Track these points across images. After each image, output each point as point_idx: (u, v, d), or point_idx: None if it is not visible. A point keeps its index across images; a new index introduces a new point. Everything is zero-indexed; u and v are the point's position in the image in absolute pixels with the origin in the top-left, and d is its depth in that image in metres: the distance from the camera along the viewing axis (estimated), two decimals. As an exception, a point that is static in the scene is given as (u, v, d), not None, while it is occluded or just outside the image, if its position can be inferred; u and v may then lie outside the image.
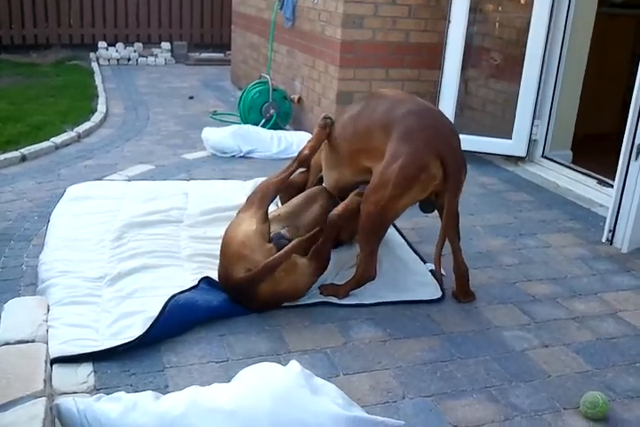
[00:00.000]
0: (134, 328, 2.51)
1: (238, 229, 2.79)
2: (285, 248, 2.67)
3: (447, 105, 4.98)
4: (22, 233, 3.49)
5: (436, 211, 2.96)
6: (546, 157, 4.99)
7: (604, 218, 3.73)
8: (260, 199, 2.95)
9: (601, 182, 4.44)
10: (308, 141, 3.22)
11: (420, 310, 2.84)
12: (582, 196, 4.38)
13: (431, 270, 3.12)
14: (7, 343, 2.20)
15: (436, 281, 3.04)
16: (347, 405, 2.02)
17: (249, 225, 2.77)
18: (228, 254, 2.74)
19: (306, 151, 3.14)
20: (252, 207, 2.90)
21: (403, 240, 3.50)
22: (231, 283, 2.70)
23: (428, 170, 2.70)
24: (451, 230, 2.91)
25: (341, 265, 3.12)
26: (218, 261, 2.90)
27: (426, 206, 2.95)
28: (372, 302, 2.87)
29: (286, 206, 3.13)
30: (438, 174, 2.72)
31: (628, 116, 3.47)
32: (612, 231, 3.61)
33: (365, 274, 2.90)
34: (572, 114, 5.03)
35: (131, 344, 2.42)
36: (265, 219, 2.85)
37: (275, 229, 2.88)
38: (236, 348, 2.50)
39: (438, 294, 2.96)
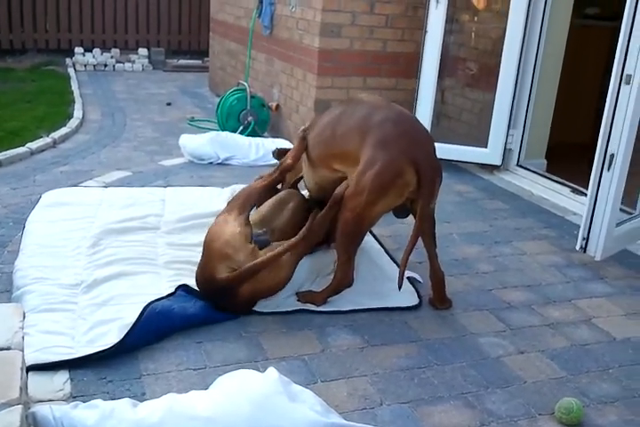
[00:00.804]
0: (110, 336, 2.49)
1: (222, 230, 2.79)
2: (270, 254, 2.68)
3: (424, 113, 5.03)
4: (-3, 239, 3.45)
5: (412, 218, 2.98)
6: (521, 166, 5.05)
7: (578, 226, 3.79)
8: (241, 204, 2.95)
9: (575, 191, 4.51)
10: (290, 151, 3.23)
11: (397, 317, 2.86)
12: (556, 204, 4.44)
13: (408, 277, 3.14)
14: (-18, 351, 2.17)
15: (413, 288, 3.07)
16: (324, 411, 2.03)
17: (232, 227, 2.78)
18: (211, 253, 2.74)
19: (289, 160, 3.15)
20: (233, 211, 2.90)
21: (380, 247, 3.52)
22: (213, 282, 2.70)
23: (402, 176, 2.73)
24: (427, 237, 2.94)
25: (318, 272, 3.13)
26: (195, 267, 2.90)
27: (400, 212, 2.99)
28: (350, 308, 2.88)
29: (258, 212, 3.14)
30: (413, 181, 2.75)
31: (600, 126, 3.53)
32: (586, 239, 3.66)
33: (343, 281, 2.91)
34: (546, 123, 5.11)
35: (107, 352, 2.40)
36: (247, 223, 2.85)
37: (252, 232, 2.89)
38: (213, 355, 2.49)
39: (415, 301, 2.98)
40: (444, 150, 5.10)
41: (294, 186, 3.44)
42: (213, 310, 2.73)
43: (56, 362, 2.33)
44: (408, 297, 3.00)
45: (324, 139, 3.06)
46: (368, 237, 3.38)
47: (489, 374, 2.48)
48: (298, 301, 2.90)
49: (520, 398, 2.35)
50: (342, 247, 2.88)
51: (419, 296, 3.02)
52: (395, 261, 3.34)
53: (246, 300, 2.73)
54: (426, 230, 2.89)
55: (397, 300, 2.97)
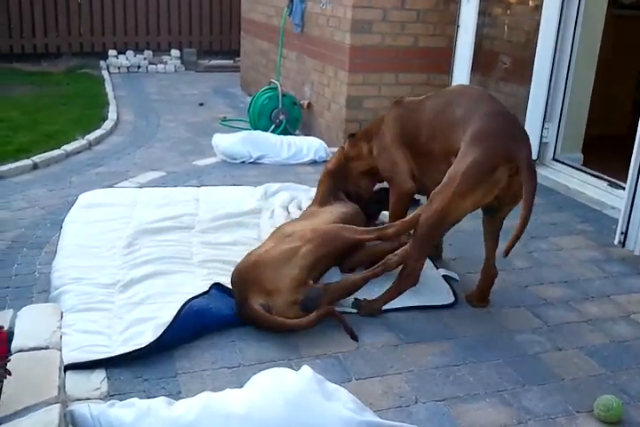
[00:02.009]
0: (146, 335, 2.52)
1: (279, 261, 2.66)
2: (303, 322, 2.60)
3: (457, 109, 4.98)
4: (35, 241, 3.52)
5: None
6: (557, 160, 4.96)
7: (616, 220, 3.71)
8: (320, 244, 2.75)
9: (612, 184, 4.42)
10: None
11: (432, 315, 2.83)
12: (593, 198, 4.36)
13: (444, 275, 3.11)
14: (21, 350, 2.20)
15: (448, 286, 3.03)
16: (359, 409, 2.02)
17: (292, 266, 2.65)
18: (252, 277, 2.65)
19: (391, 229, 2.88)
20: (307, 245, 2.72)
21: None
22: (243, 304, 2.64)
23: (494, 173, 2.61)
24: (494, 233, 2.91)
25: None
26: (230, 266, 2.91)
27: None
28: (385, 308, 2.85)
29: (307, 219, 3.05)
30: (504, 179, 2.62)
31: (638, 118, 3.45)
32: (624, 234, 3.58)
33: (408, 280, 2.77)
34: (582, 116, 5.01)
35: (143, 351, 2.43)
36: (311, 268, 2.70)
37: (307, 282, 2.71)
38: (247, 353, 2.50)
39: (451, 299, 2.95)
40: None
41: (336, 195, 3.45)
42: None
43: (93, 361, 2.37)
44: (444, 295, 2.97)
45: (430, 128, 3.00)
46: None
47: (525, 371, 2.45)
48: (357, 313, 2.79)
49: (558, 396, 2.31)
50: (418, 244, 2.73)
51: (454, 294, 2.98)
52: (430, 259, 3.29)
53: (264, 327, 2.65)
54: (497, 225, 2.87)
55: (433, 298, 2.94)
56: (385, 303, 2.81)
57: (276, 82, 6.07)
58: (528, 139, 2.78)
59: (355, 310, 2.81)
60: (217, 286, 2.83)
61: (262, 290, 2.62)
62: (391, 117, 3.26)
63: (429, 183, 2.94)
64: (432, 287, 3.03)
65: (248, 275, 2.67)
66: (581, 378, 2.42)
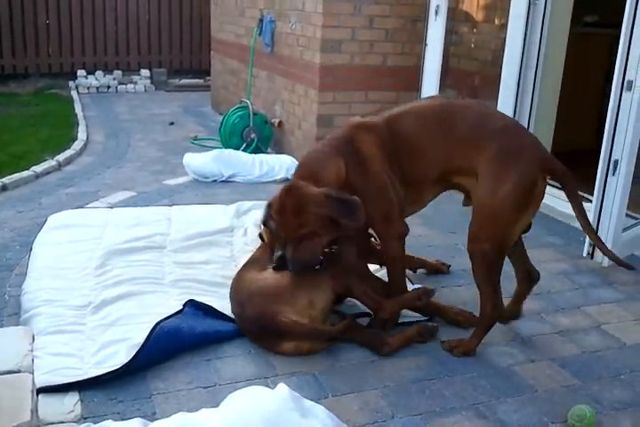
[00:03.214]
0: (119, 356, 2.49)
1: (302, 284, 2.65)
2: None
3: (426, 125, 5.05)
4: (4, 263, 3.47)
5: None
6: (525, 175, 5.04)
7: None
8: (345, 279, 2.71)
9: (580, 198, 4.49)
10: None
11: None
12: (562, 211, 4.42)
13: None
14: (-8, 374, 2.18)
15: None
16: (336, 426, 2.02)
17: (319, 294, 2.65)
18: (281, 293, 2.63)
19: (387, 308, 2.76)
20: (331, 280, 2.69)
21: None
22: (268, 320, 2.60)
23: (537, 186, 2.54)
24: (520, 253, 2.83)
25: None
26: (204, 286, 2.89)
27: None
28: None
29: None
30: (544, 187, 2.59)
31: (603, 133, 3.54)
32: (593, 245, 3.65)
33: (494, 314, 2.66)
34: (548, 131, 5.11)
35: (116, 373, 2.40)
36: (329, 301, 2.69)
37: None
38: (223, 372, 2.49)
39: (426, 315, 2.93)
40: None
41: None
42: (221, 327, 2.72)
43: (66, 384, 2.33)
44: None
45: (420, 152, 2.71)
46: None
47: (500, 383, 2.47)
48: (451, 354, 2.67)
49: (532, 407, 2.33)
50: (487, 280, 2.61)
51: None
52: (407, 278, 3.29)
53: (285, 351, 2.62)
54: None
55: (407, 313, 2.92)
56: (478, 343, 2.68)
57: (247, 101, 6.10)
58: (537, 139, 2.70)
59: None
60: (191, 303, 2.81)
61: (294, 305, 2.59)
62: (373, 146, 2.71)
63: (409, 211, 2.86)
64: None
65: (277, 290, 2.64)
66: (555, 389, 2.45)
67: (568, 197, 2.65)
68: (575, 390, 2.45)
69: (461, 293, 3.17)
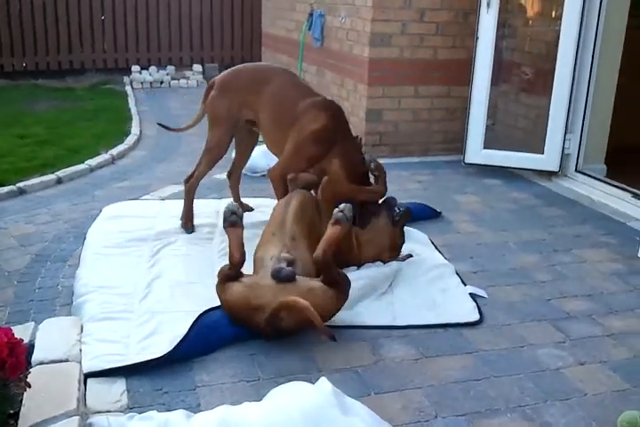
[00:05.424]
0: (162, 345, 2.52)
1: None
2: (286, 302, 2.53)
3: (477, 120, 4.97)
4: (58, 254, 3.55)
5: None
6: (579, 172, 4.93)
7: (640, 232, 3.67)
8: None
9: (636, 196, 4.37)
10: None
11: (452, 328, 2.81)
12: (617, 210, 4.31)
13: (470, 293, 3.07)
14: (41, 363, 2.23)
15: (474, 303, 2.97)
16: (377, 425, 2.01)
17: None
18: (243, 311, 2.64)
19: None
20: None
21: (443, 261, 3.40)
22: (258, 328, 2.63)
23: None
24: None
25: (374, 287, 3.05)
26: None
27: None
28: (406, 324, 2.80)
29: (270, 225, 3.02)
30: None
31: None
32: (649, 246, 3.54)
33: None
34: (604, 127, 4.97)
35: (159, 361, 2.43)
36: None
37: (273, 253, 2.76)
38: (266, 367, 2.49)
39: (476, 317, 2.88)
40: (499, 157, 5.05)
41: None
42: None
43: (110, 369, 2.37)
44: (469, 313, 2.91)
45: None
46: (432, 251, 3.40)
47: (547, 386, 2.41)
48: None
49: (580, 411, 2.27)
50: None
51: (480, 312, 2.91)
52: (459, 276, 3.26)
53: (293, 330, 2.63)
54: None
55: (457, 315, 2.88)
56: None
57: (297, 95, 6.10)
58: None
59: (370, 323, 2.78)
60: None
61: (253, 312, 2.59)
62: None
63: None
64: (457, 304, 2.97)
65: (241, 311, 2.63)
66: (605, 393, 2.38)
67: None
68: (626, 395, 2.37)
69: (510, 292, 3.11)
